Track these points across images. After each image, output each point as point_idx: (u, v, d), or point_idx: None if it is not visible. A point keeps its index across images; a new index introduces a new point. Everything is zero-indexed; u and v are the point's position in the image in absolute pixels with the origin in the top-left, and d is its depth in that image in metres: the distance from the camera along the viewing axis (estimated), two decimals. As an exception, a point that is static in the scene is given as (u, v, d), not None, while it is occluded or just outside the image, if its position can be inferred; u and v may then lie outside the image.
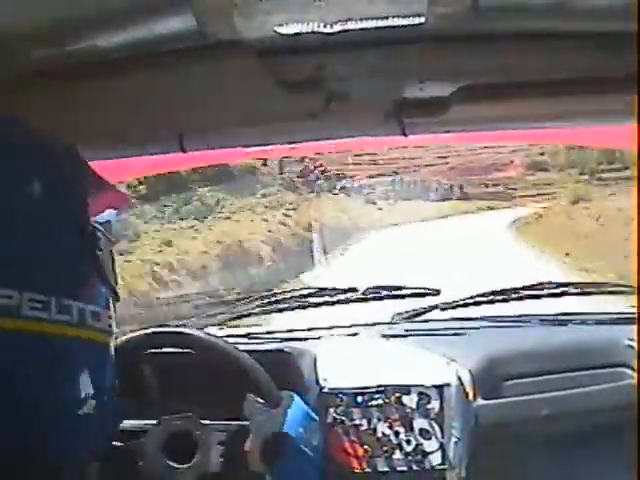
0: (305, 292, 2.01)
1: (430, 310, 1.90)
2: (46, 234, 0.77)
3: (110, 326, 0.80)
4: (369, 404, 1.55)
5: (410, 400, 1.54)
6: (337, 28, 0.96)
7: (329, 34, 0.96)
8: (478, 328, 1.81)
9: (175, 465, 1.40)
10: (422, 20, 0.94)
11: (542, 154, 25.92)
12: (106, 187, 0.89)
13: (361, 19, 0.95)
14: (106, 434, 0.84)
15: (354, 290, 1.94)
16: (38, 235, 0.76)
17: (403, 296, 1.94)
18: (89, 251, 0.79)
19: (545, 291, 1.88)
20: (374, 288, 1.94)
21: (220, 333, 1.79)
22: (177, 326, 1.65)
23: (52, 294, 0.73)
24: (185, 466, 1.39)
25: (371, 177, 26.23)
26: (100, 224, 0.83)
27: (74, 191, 0.81)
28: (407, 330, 1.81)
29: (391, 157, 26.64)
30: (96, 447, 0.84)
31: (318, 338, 1.78)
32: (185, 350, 1.48)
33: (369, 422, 1.55)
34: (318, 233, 13.30)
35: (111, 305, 0.81)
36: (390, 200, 25.36)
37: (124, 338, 1.41)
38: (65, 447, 0.77)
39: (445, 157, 28.02)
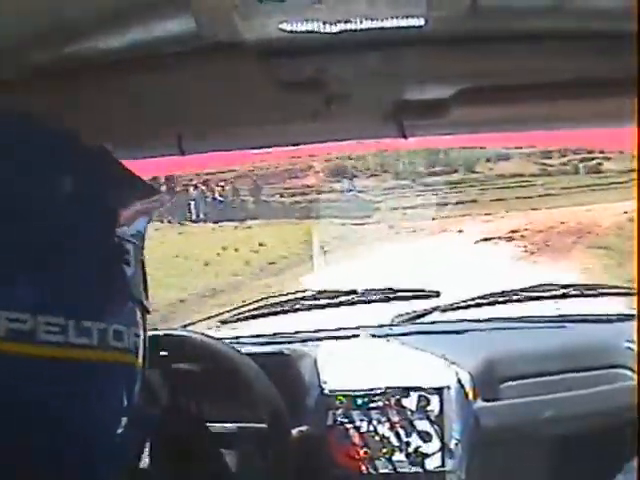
0: (306, 294, 2.01)
1: (430, 312, 1.90)
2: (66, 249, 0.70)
3: (136, 344, 0.74)
4: (369, 406, 1.55)
5: (410, 402, 1.54)
6: (337, 30, 0.96)
7: (329, 35, 0.96)
8: (478, 330, 1.81)
9: (176, 466, 1.40)
10: (422, 22, 0.94)
11: (350, 158, 22.68)
12: (140, 187, 0.82)
13: (361, 21, 0.95)
14: (133, 449, 0.80)
15: (354, 292, 1.94)
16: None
17: (403, 298, 1.94)
18: (114, 266, 0.73)
19: (544, 293, 1.88)
20: (374, 290, 1.94)
21: (221, 335, 1.79)
22: (177, 329, 1.65)
23: (70, 316, 0.67)
24: (186, 466, 1.39)
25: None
26: (131, 235, 0.76)
27: (101, 200, 0.74)
28: (407, 332, 1.81)
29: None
30: (125, 463, 0.81)
31: (319, 340, 1.78)
32: (185, 353, 1.48)
33: (369, 424, 1.55)
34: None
35: (139, 321, 0.75)
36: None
37: None
38: (97, 467, 0.73)
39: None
